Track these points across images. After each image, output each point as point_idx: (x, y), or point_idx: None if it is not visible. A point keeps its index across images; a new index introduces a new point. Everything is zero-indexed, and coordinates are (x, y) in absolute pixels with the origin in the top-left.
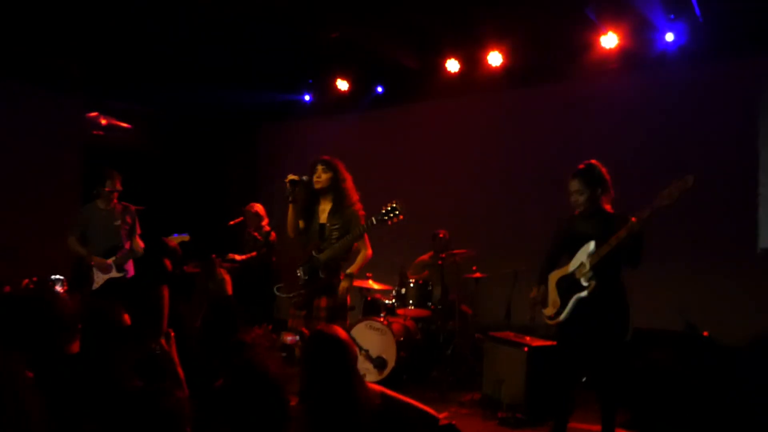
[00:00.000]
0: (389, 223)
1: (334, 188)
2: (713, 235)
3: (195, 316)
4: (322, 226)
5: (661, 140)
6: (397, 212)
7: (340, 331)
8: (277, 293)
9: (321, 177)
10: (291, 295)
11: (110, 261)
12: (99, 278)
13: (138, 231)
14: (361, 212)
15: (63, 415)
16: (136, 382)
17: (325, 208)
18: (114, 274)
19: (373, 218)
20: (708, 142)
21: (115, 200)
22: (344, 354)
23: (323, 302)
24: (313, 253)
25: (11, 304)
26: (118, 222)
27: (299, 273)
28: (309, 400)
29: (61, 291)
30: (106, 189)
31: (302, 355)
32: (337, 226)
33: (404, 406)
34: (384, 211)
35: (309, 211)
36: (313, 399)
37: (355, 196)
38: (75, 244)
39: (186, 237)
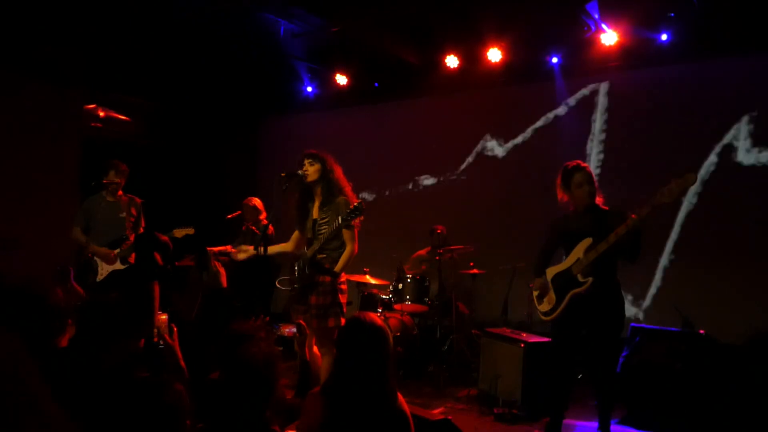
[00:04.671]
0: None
1: (323, 180)
2: (713, 233)
3: (190, 308)
4: (314, 221)
5: (659, 138)
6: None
7: (377, 319)
8: (278, 285)
9: (308, 170)
10: (288, 288)
11: (114, 253)
12: (103, 269)
13: (142, 224)
14: (354, 200)
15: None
16: (140, 373)
17: (317, 203)
18: (118, 265)
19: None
20: (705, 140)
21: (120, 192)
22: (381, 343)
23: (312, 300)
24: (305, 248)
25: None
26: (123, 214)
27: (295, 268)
28: (338, 388)
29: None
30: (105, 181)
31: (338, 341)
32: (326, 220)
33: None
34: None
35: (304, 209)
36: (343, 387)
37: (345, 187)
38: (78, 234)
39: (191, 230)
